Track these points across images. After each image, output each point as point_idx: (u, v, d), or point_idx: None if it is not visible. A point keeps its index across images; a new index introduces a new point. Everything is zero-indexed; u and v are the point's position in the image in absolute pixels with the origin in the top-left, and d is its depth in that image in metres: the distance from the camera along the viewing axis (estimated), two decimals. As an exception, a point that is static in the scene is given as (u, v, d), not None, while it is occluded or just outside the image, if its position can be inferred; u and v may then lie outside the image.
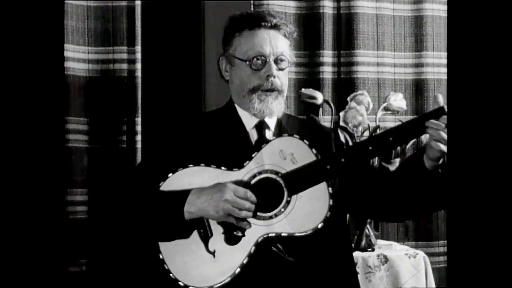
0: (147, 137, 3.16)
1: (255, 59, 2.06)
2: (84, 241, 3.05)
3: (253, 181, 1.97)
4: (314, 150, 1.98)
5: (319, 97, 3.09)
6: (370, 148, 1.96)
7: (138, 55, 3.13)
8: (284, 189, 1.95)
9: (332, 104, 3.12)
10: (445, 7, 3.47)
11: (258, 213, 1.94)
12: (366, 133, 3.01)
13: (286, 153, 1.97)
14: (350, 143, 2.94)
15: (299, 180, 1.95)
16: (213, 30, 3.58)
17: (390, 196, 2.07)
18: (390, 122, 3.30)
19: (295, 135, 2.00)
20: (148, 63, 3.27)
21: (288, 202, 1.95)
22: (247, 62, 2.06)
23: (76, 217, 3.05)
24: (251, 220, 1.94)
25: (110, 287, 3.07)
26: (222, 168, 1.98)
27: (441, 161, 1.97)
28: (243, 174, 1.97)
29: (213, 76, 3.62)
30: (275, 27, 2.08)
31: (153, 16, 3.44)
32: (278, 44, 2.07)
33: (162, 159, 2.08)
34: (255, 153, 1.99)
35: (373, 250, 2.93)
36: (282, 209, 1.95)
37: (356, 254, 2.86)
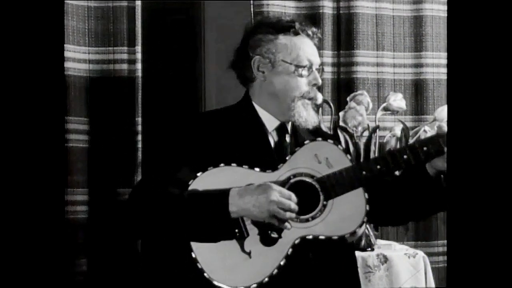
0: (147, 137, 3.16)
1: (306, 66, 2.08)
2: (84, 241, 3.06)
3: (288, 184, 1.97)
4: (349, 156, 1.99)
5: (319, 97, 3.08)
6: (405, 157, 1.98)
7: (139, 56, 3.13)
8: (320, 193, 1.96)
9: (331, 104, 3.12)
10: (444, 7, 3.47)
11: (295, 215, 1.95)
12: (366, 133, 3.01)
13: (321, 157, 1.98)
14: (350, 144, 2.94)
15: (334, 184, 1.96)
16: (213, 30, 3.59)
17: (392, 201, 2.10)
18: (390, 122, 3.31)
19: (329, 140, 2.01)
20: (148, 63, 3.28)
21: (324, 206, 1.96)
22: (299, 68, 2.07)
23: (76, 217, 3.05)
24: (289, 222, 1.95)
25: (110, 287, 3.07)
26: (256, 169, 1.98)
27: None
28: (277, 176, 1.97)
29: (213, 76, 3.63)
30: (312, 37, 2.12)
31: (153, 16, 3.45)
32: (318, 54, 2.12)
33: (183, 157, 2.04)
34: (289, 156, 1.99)
35: (372, 250, 2.93)
36: (319, 213, 1.96)
37: (356, 254, 2.86)
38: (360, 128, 3.01)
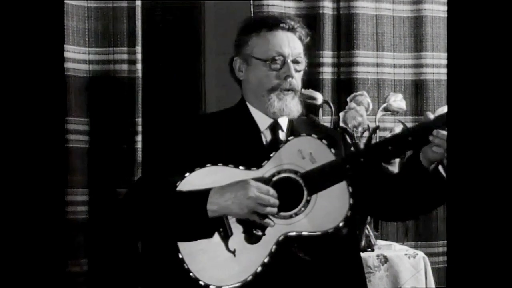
0: (148, 137, 3.16)
1: (274, 59, 2.08)
2: (84, 241, 3.06)
3: (272, 180, 1.98)
4: (332, 150, 1.99)
5: (319, 98, 3.09)
6: (389, 148, 1.97)
7: (139, 56, 3.13)
8: (304, 188, 1.96)
9: (331, 105, 3.12)
10: (444, 8, 3.47)
11: (278, 212, 1.95)
12: (366, 134, 3.02)
13: (305, 153, 1.98)
14: (351, 144, 2.94)
15: (318, 179, 1.96)
16: (213, 30, 3.59)
17: (394, 197, 2.10)
18: (390, 123, 3.31)
19: (313, 135, 2.01)
20: (148, 63, 3.28)
21: (308, 201, 1.96)
22: (267, 62, 2.09)
23: (77, 217, 3.05)
24: (272, 218, 1.95)
25: (110, 287, 3.07)
26: (240, 167, 1.99)
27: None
28: (261, 173, 1.98)
29: (213, 76, 3.63)
30: (292, 29, 2.12)
31: (153, 16, 3.44)
32: (295, 45, 2.11)
33: (176, 159, 2.08)
34: (273, 152, 2.00)
35: (372, 250, 2.93)
36: (302, 208, 1.96)
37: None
38: (360, 129, 3.01)
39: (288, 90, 2.09)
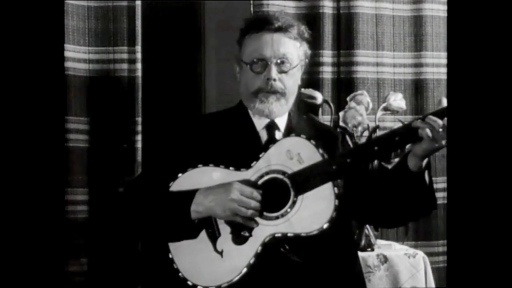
0: (148, 137, 3.17)
1: (255, 62, 2.08)
2: (84, 241, 3.06)
3: (260, 181, 1.98)
4: (320, 150, 1.99)
5: (319, 97, 3.09)
6: (376, 148, 1.96)
7: (139, 55, 3.13)
8: (291, 189, 1.96)
9: (331, 104, 3.12)
10: (444, 7, 3.47)
11: (265, 213, 1.96)
12: (366, 133, 3.02)
13: (293, 153, 1.98)
14: (350, 143, 2.94)
15: (305, 180, 1.96)
16: (213, 30, 3.59)
17: (379, 199, 2.09)
18: (390, 122, 3.31)
19: (302, 135, 2.01)
20: (148, 63, 3.28)
21: (294, 202, 1.96)
22: (248, 66, 2.09)
23: (77, 217, 3.05)
24: (258, 220, 1.95)
25: (111, 287, 3.07)
26: (230, 168, 2.00)
27: (425, 161, 1.98)
28: (250, 174, 1.99)
29: (213, 76, 3.63)
30: (279, 29, 2.09)
31: (153, 16, 3.44)
32: (280, 46, 2.08)
33: (172, 159, 2.10)
34: (263, 153, 2.00)
35: (372, 250, 2.94)
36: (288, 209, 1.96)
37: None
38: (360, 128, 3.01)
39: (271, 92, 2.08)
